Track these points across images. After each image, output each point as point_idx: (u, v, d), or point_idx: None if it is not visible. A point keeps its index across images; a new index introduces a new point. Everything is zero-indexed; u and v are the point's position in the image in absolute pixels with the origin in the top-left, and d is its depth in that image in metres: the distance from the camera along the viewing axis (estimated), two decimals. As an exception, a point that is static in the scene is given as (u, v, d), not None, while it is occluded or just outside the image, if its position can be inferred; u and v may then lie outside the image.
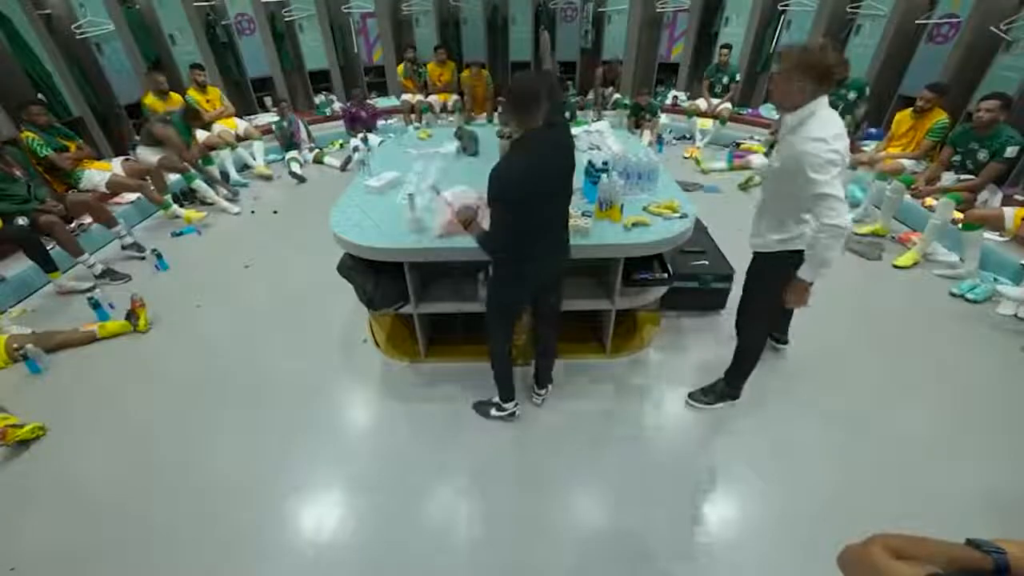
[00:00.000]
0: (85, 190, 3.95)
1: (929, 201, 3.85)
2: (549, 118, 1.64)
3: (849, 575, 0.68)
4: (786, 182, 1.72)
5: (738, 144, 5.83)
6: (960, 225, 3.24)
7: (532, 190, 1.64)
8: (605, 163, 2.52)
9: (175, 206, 4.36)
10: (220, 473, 2.13)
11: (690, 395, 2.38)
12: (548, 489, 2.01)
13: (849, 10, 5.72)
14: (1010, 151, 3.14)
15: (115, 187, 4.03)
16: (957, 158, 3.47)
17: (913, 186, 3.67)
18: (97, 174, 4.01)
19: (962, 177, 3.44)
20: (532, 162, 1.63)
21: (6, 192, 3.24)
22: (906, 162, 3.92)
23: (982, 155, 3.29)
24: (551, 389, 2.40)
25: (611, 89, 6.77)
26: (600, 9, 7.29)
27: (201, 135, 4.95)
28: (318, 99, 7.06)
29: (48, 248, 3.27)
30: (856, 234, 3.88)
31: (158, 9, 5.70)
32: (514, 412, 2.28)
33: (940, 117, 3.79)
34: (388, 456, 2.19)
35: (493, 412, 2.29)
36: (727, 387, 2.32)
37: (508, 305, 2.00)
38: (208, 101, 5.44)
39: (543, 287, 1.98)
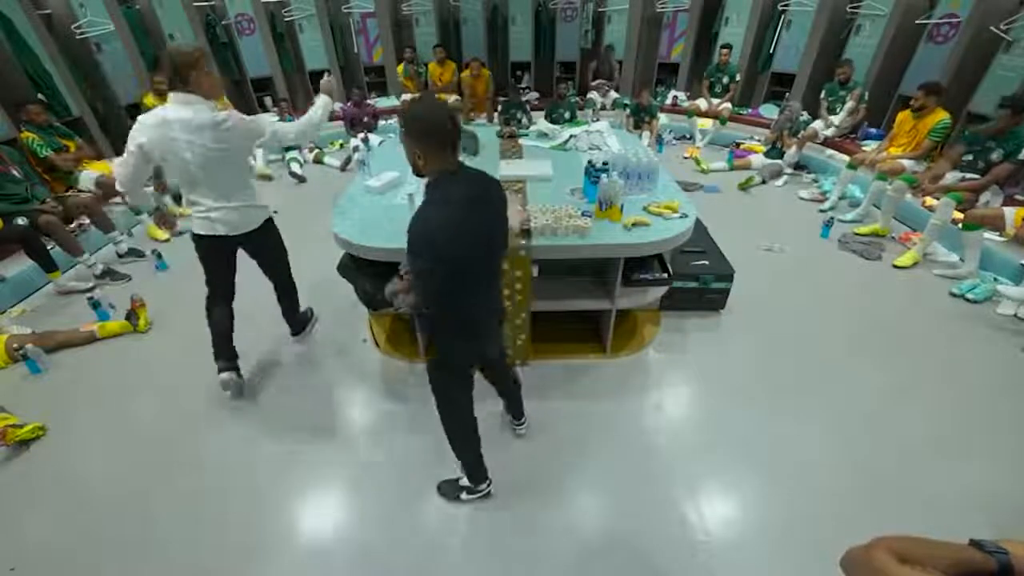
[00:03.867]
0: (83, 190, 3.95)
1: (929, 201, 3.85)
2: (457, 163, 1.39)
3: None
4: None
5: (738, 144, 5.84)
6: (960, 225, 3.24)
7: (454, 251, 1.34)
8: (605, 163, 2.52)
9: (145, 214, 4.27)
10: (220, 473, 2.13)
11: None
12: (547, 489, 2.01)
13: (849, 10, 5.72)
14: None
15: (105, 187, 4.00)
16: (968, 156, 3.45)
17: (918, 184, 3.65)
18: (95, 174, 4.00)
19: (967, 176, 3.43)
20: (453, 216, 1.33)
21: (4, 192, 3.24)
22: (906, 162, 3.92)
23: (995, 155, 3.27)
24: (527, 421, 2.23)
25: (604, 83, 6.74)
26: (600, 9, 7.30)
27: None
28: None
29: (48, 248, 3.27)
30: (856, 234, 3.88)
31: (158, 9, 5.70)
32: (489, 492, 1.95)
33: (942, 117, 3.79)
34: (387, 456, 2.18)
35: (464, 496, 1.94)
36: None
37: (457, 363, 1.69)
38: (208, 101, 5.43)
39: (484, 349, 1.76)
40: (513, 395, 2.13)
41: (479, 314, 1.59)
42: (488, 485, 1.94)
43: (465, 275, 1.42)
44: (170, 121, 1.89)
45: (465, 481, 1.94)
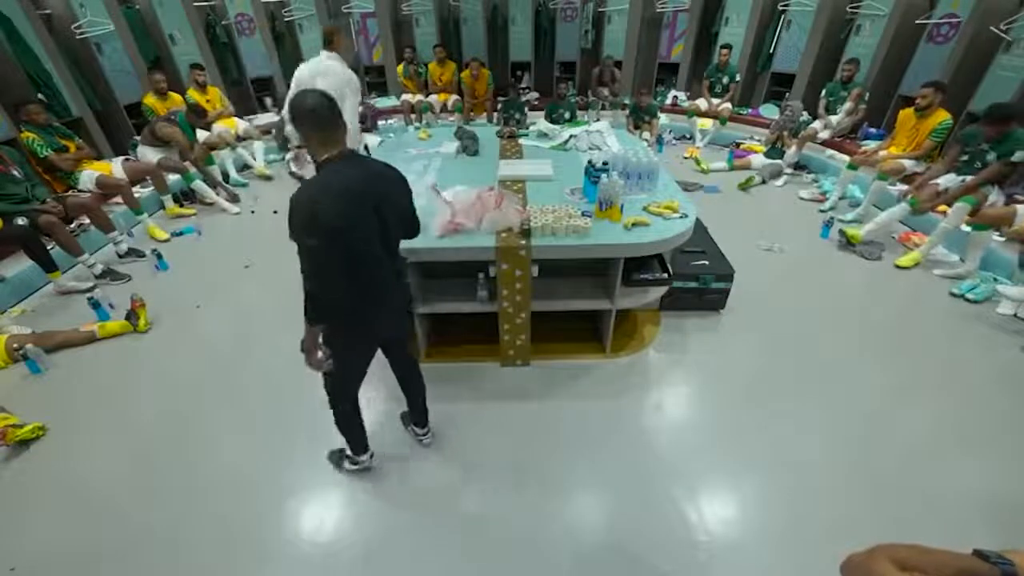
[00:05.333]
0: (83, 190, 3.95)
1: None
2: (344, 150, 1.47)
3: None
4: None
5: (738, 144, 5.84)
6: (970, 225, 3.22)
7: (338, 221, 1.37)
8: (605, 163, 2.52)
9: (145, 214, 4.28)
10: (220, 473, 2.13)
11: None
12: (547, 488, 2.01)
13: (849, 10, 5.72)
14: (1018, 155, 3.11)
15: (105, 187, 4.00)
16: (964, 157, 3.43)
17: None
18: (95, 174, 4.00)
19: (966, 179, 3.42)
20: (336, 188, 1.39)
21: (4, 192, 3.24)
22: (906, 162, 3.92)
23: (991, 156, 3.26)
24: (431, 430, 2.20)
25: (606, 90, 6.77)
26: (600, 9, 7.30)
27: (201, 135, 4.95)
28: (318, 99, 7.07)
29: (48, 248, 3.27)
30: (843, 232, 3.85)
31: (158, 9, 5.70)
32: (369, 466, 2.05)
33: (943, 118, 3.78)
34: (388, 457, 2.18)
35: (346, 465, 2.06)
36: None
37: (348, 372, 1.74)
38: (208, 101, 5.43)
39: (388, 341, 1.84)
40: (415, 389, 2.08)
41: (371, 295, 1.59)
42: (370, 458, 2.03)
43: (354, 252, 1.45)
44: (310, 67, 3.00)
45: (348, 451, 2.02)
